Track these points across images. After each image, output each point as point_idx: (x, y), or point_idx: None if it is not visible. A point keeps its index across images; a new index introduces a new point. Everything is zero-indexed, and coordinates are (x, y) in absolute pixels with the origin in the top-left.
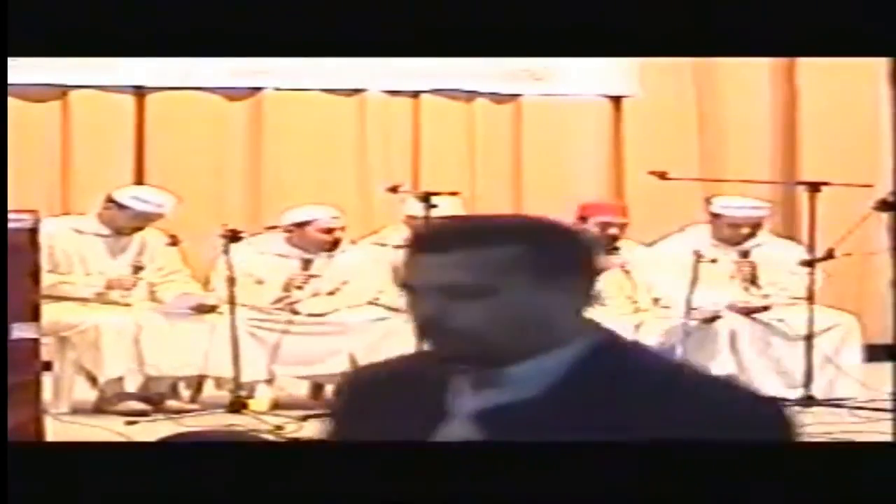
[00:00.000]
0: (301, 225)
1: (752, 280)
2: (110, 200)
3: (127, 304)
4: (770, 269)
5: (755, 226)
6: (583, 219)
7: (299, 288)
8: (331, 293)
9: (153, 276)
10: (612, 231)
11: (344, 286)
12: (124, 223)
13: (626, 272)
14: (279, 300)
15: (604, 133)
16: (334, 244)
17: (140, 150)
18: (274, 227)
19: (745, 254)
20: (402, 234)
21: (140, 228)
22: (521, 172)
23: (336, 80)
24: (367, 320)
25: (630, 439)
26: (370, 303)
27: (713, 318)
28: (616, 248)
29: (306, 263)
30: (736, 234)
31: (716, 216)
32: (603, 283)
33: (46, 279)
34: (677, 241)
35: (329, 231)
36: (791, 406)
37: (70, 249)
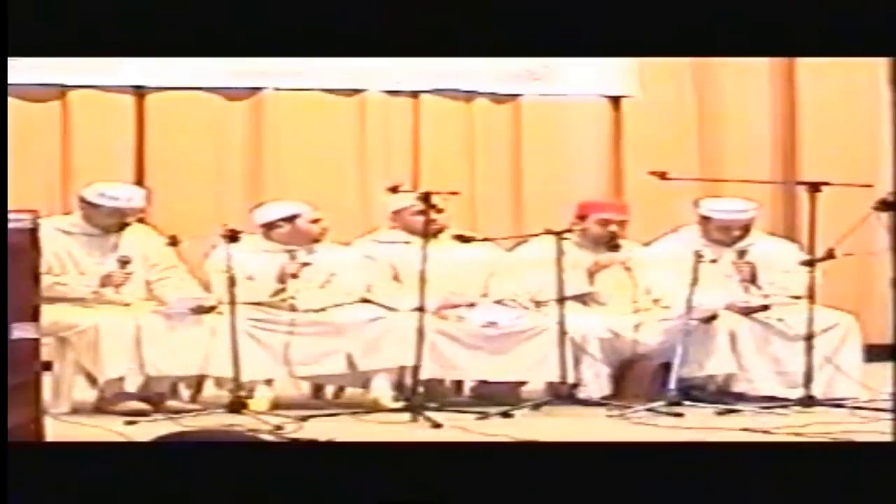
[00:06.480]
0: (289, 219)
1: (752, 280)
2: (81, 200)
3: (126, 304)
4: (767, 269)
5: (745, 227)
6: (582, 217)
7: (294, 276)
8: (321, 286)
9: (149, 274)
10: (612, 228)
11: (332, 278)
12: (102, 220)
13: (628, 269)
14: (277, 292)
15: (603, 133)
16: (321, 234)
17: (140, 150)
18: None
19: (741, 253)
20: (398, 232)
21: (123, 224)
22: (521, 172)
23: (336, 80)
24: (363, 320)
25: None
26: (364, 300)
27: (712, 318)
28: (617, 246)
29: (293, 255)
30: (727, 235)
31: (705, 219)
32: (604, 283)
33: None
34: (670, 242)
35: (316, 221)
36: (791, 406)
37: (59, 250)
